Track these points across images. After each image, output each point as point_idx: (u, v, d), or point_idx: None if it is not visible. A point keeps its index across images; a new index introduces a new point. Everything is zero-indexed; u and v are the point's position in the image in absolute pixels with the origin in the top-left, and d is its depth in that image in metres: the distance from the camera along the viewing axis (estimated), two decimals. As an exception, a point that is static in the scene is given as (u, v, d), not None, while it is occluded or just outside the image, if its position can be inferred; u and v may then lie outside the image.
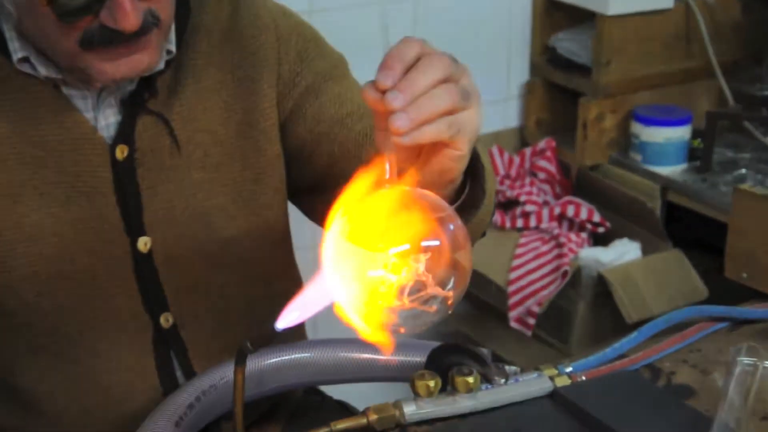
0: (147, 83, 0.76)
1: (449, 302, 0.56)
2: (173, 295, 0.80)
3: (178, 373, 0.81)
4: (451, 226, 0.54)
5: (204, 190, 0.79)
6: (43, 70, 0.72)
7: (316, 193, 0.83)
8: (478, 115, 0.58)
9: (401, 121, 0.55)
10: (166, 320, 0.80)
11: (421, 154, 0.61)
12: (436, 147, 0.59)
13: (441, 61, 0.56)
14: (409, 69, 0.56)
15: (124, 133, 0.76)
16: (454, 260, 0.54)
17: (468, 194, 0.68)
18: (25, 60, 0.72)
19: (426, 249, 0.53)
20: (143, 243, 0.77)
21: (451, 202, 0.66)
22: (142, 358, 0.80)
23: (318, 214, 0.82)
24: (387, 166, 0.57)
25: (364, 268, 0.54)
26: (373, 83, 0.56)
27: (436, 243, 0.54)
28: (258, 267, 0.84)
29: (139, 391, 0.80)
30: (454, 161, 0.60)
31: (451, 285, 0.55)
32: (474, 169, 0.67)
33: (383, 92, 0.55)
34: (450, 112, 0.57)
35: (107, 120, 0.76)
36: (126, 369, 0.80)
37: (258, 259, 0.83)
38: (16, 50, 0.72)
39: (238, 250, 0.81)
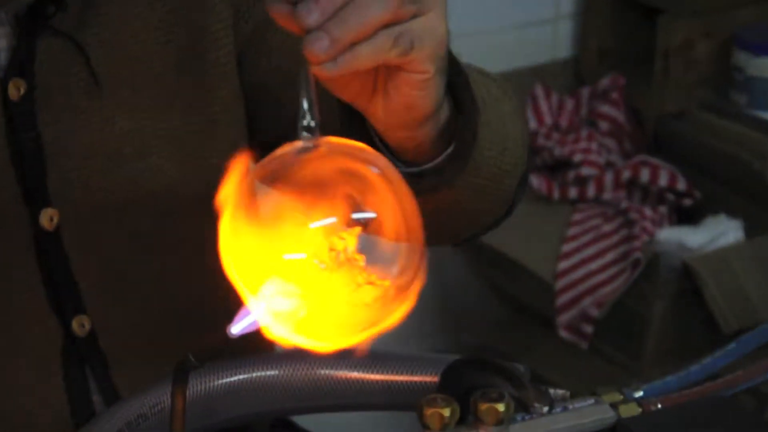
0: None
1: (395, 291, 0.55)
2: (91, 292, 0.80)
3: (96, 398, 0.82)
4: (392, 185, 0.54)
5: (133, 145, 0.79)
6: None
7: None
8: (440, 19, 0.57)
9: (319, 43, 0.54)
10: (80, 325, 0.80)
11: (375, 86, 0.61)
12: (391, 73, 0.59)
13: None
14: None
15: (21, 62, 0.76)
16: (397, 232, 0.54)
17: (456, 140, 0.67)
18: None
19: (357, 223, 0.54)
20: (48, 217, 0.78)
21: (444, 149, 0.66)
22: (47, 377, 0.80)
23: None
24: (305, 115, 0.55)
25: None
26: None
27: (371, 215, 0.54)
28: (209, 251, 0.84)
29: (41, 422, 0.81)
30: (419, 89, 0.59)
31: (397, 267, 0.55)
32: (460, 98, 0.66)
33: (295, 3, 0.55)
34: (394, 20, 0.56)
35: None
36: (24, 392, 0.80)
37: (209, 238, 0.84)
38: None
39: (180, 227, 0.82)
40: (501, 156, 0.73)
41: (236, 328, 0.58)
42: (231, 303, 0.57)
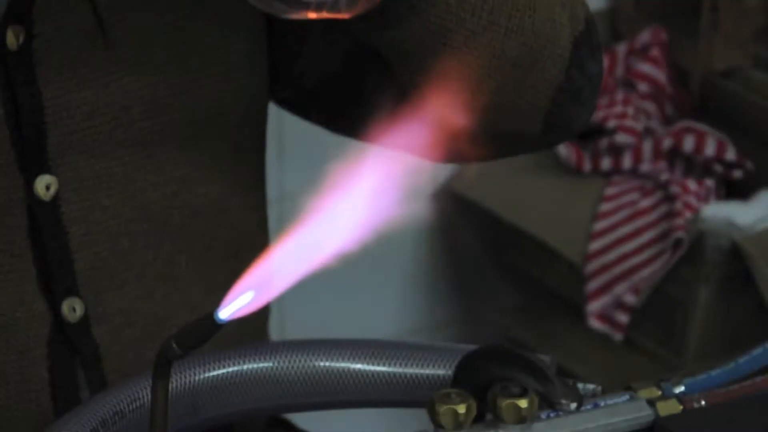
0: None
1: None
2: (88, 272, 0.81)
3: (84, 394, 0.82)
4: None
5: (142, 103, 0.80)
6: None
7: (342, 95, 0.86)
8: None
9: None
10: (71, 310, 0.81)
11: None
12: None
13: None
14: None
15: (19, 7, 0.76)
16: None
17: None
18: None
19: None
20: (44, 185, 0.78)
21: None
22: (28, 368, 0.81)
23: (353, 124, 0.85)
24: None
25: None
26: None
27: None
28: (224, 227, 0.85)
29: (19, 418, 0.81)
30: None
31: None
32: None
33: None
34: None
35: None
36: (2, 383, 0.81)
37: (224, 214, 0.85)
38: None
39: (194, 197, 0.83)
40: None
41: (224, 313, 0.59)
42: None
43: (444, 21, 0.72)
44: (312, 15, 0.64)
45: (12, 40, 0.76)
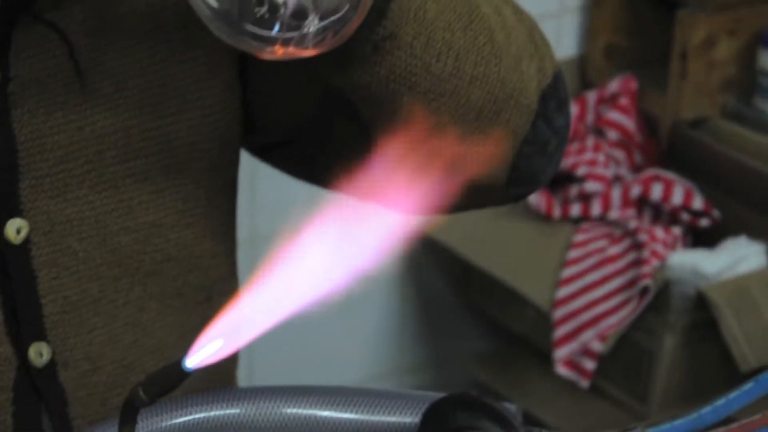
0: None
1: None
2: (56, 316, 0.80)
3: None
4: None
5: (116, 147, 0.80)
6: None
7: (311, 142, 0.86)
8: None
9: None
10: (38, 354, 0.80)
11: None
12: None
13: None
14: None
15: None
16: None
17: None
18: None
19: None
20: (14, 228, 0.78)
21: None
22: None
23: (321, 173, 0.85)
24: None
25: None
26: None
27: None
28: (195, 272, 0.85)
29: None
30: None
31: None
32: None
33: None
34: None
35: None
36: None
37: (195, 258, 0.85)
38: None
39: (166, 242, 0.83)
40: (467, 24, 0.74)
41: (191, 361, 0.59)
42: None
43: (409, 64, 0.73)
44: (279, 50, 0.64)
45: None
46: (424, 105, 0.73)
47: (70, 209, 0.80)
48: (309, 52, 0.66)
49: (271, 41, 0.65)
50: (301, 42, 0.64)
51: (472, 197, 0.81)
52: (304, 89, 0.84)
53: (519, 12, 0.81)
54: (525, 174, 0.81)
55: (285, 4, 0.64)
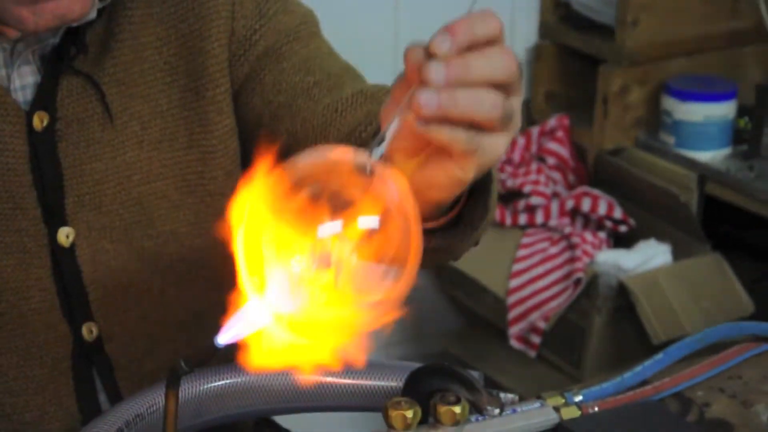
0: (74, 36, 0.75)
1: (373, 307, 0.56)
2: (99, 301, 0.80)
3: (102, 397, 0.82)
4: (399, 212, 0.54)
5: (140, 172, 0.79)
6: None
7: None
8: (506, 145, 0.56)
9: (429, 102, 0.52)
10: (89, 331, 0.80)
11: (419, 153, 0.59)
12: (440, 155, 0.57)
13: (508, 60, 0.54)
14: (471, 48, 0.53)
15: (44, 97, 0.76)
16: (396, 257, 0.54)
17: (466, 210, 0.66)
18: None
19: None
20: (64, 235, 0.78)
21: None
22: (58, 377, 0.80)
23: None
24: (380, 143, 0.55)
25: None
26: (422, 46, 0.53)
27: (374, 224, 0.53)
28: (205, 269, 0.84)
29: (51, 418, 0.80)
30: (450, 180, 0.58)
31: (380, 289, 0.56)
32: (482, 186, 0.65)
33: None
34: (480, 125, 0.54)
35: (23, 80, 0.76)
36: (36, 391, 0.80)
37: (206, 259, 0.84)
38: None
39: (181, 247, 0.82)
40: (492, 214, 0.72)
41: (222, 339, 0.58)
42: (222, 317, 0.57)
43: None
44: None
45: (38, 123, 0.76)
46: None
47: (104, 219, 0.79)
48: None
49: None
50: None
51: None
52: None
53: None
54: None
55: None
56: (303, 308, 0.55)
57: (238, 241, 0.55)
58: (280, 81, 0.81)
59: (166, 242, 0.81)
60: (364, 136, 0.74)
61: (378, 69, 0.91)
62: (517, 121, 0.56)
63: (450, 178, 0.57)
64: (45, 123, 0.76)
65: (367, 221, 0.53)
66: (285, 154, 0.82)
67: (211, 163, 0.82)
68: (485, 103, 0.53)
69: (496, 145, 0.56)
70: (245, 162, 0.85)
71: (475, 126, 0.54)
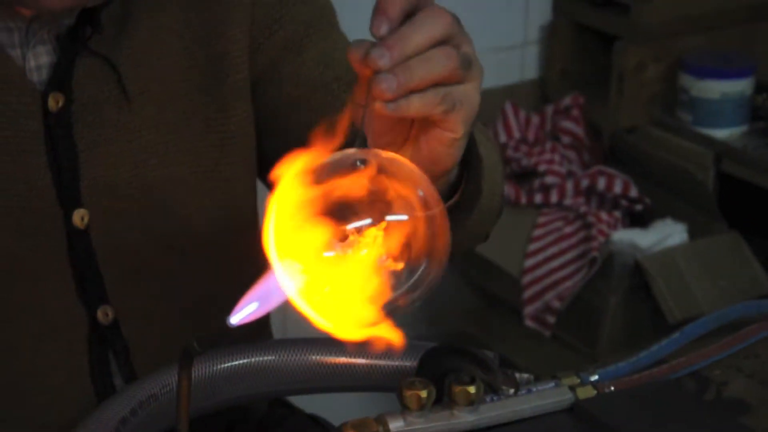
0: (90, 17, 0.75)
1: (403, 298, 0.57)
2: (115, 284, 0.80)
3: (117, 380, 0.82)
4: (423, 204, 0.55)
5: (156, 156, 0.79)
6: None
7: None
8: (477, 91, 0.59)
9: (387, 83, 0.55)
10: (104, 314, 0.80)
11: (408, 137, 0.62)
12: (425, 128, 0.60)
13: (442, 18, 0.57)
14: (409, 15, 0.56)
15: (60, 78, 0.75)
16: (430, 244, 0.56)
17: (461, 193, 0.69)
18: None
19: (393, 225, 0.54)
20: (79, 217, 0.78)
21: (445, 200, 0.65)
22: (74, 358, 0.80)
23: None
24: (360, 139, 0.57)
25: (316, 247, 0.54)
26: (361, 42, 0.56)
27: (403, 217, 0.55)
28: (220, 252, 0.84)
29: (68, 398, 0.80)
30: (446, 146, 0.60)
31: (420, 273, 0.57)
32: (468, 161, 0.67)
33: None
34: (445, 81, 0.57)
35: (38, 60, 0.75)
36: (53, 372, 0.80)
37: (220, 243, 0.84)
38: None
39: (196, 230, 0.82)
40: (491, 200, 0.73)
41: (235, 319, 0.58)
42: (235, 299, 0.57)
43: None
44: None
45: (53, 104, 0.76)
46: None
47: (119, 202, 0.79)
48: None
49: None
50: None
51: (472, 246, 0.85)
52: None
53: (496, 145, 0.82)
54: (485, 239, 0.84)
55: None
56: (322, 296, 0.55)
57: (269, 222, 0.55)
58: (299, 73, 0.81)
59: (181, 227, 0.81)
60: None
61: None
62: (478, 65, 0.59)
63: (444, 144, 0.60)
64: (60, 104, 0.76)
65: (397, 216, 0.55)
66: (301, 147, 0.83)
67: (228, 148, 0.82)
68: (438, 59, 0.56)
69: (468, 94, 0.58)
70: (258, 154, 0.85)
71: (441, 84, 0.57)
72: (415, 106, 0.56)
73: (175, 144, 0.80)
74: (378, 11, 0.56)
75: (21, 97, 0.75)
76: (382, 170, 0.55)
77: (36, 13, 0.73)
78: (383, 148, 0.59)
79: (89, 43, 0.76)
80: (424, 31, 0.56)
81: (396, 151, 0.61)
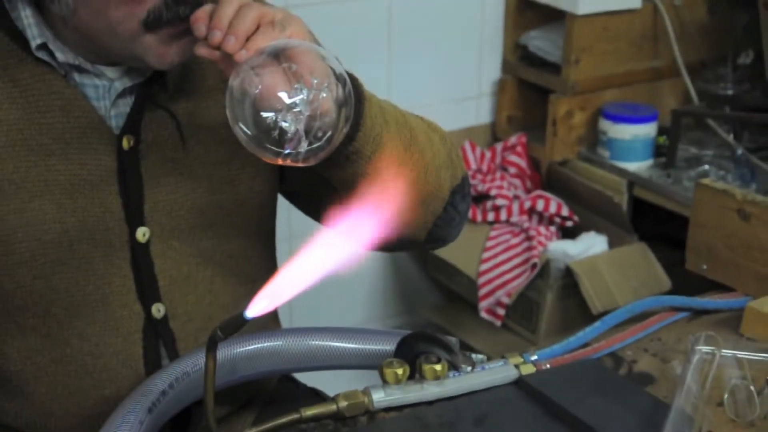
0: (158, 77, 0.76)
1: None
2: (166, 287, 0.80)
3: (165, 363, 0.81)
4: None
5: (203, 186, 0.79)
6: (60, 56, 0.73)
7: (308, 197, 0.85)
8: (302, 25, 0.67)
9: (230, 42, 0.64)
10: (157, 311, 0.80)
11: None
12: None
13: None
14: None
15: (132, 123, 0.76)
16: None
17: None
18: (42, 47, 0.73)
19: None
20: (142, 233, 0.78)
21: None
22: (130, 345, 0.80)
23: (318, 215, 0.84)
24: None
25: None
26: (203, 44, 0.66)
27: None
28: (246, 264, 0.85)
29: (122, 377, 0.80)
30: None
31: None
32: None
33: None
34: (266, 21, 0.65)
35: (117, 110, 0.76)
36: (112, 354, 0.80)
37: (247, 257, 0.84)
38: (35, 36, 0.72)
39: (228, 247, 0.82)
40: (408, 146, 0.73)
41: (250, 312, 0.58)
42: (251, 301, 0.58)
43: (368, 168, 0.72)
44: (285, 161, 0.66)
45: (126, 143, 0.76)
46: (378, 193, 0.72)
47: (173, 222, 0.79)
48: (302, 164, 0.66)
49: (280, 155, 0.66)
50: (296, 157, 0.66)
51: (401, 245, 0.81)
52: (307, 172, 0.83)
53: (443, 138, 0.81)
54: (436, 237, 0.81)
55: (289, 132, 0.65)
56: None
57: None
58: None
59: (219, 243, 0.81)
60: None
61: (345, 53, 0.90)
62: (291, 17, 0.68)
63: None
64: (131, 144, 0.76)
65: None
66: (318, 179, 0.82)
67: (258, 182, 0.82)
68: (248, 11, 0.67)
69: (291, 19, 0.68)
70: (285, 184, 0.86)
71: (262, 23, 0.67)
72: (259, 40, 0.66)
73: (218, 177, 0.80)
74: (210, 26, 0.67)
75: (101, 139, 0.75)
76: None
77: (124, 73, 0.75)
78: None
79: (156, 98, 0.77)
80: (227, 5, 0.67)
81: None
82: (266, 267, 0.87)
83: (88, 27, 0.71)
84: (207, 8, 0.68)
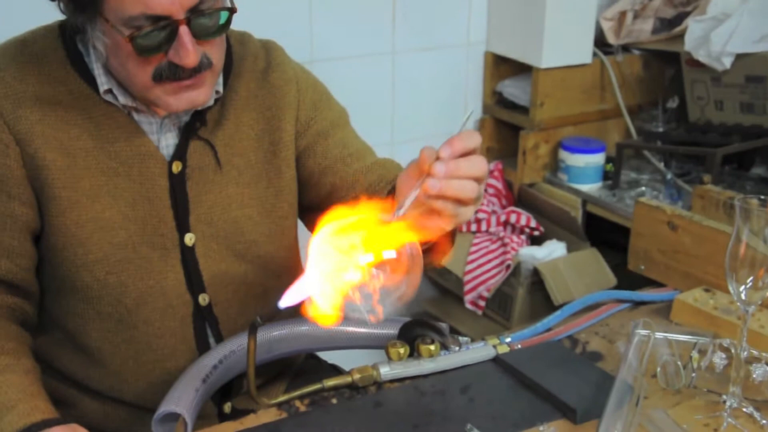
0: (199, 115, 0.78)
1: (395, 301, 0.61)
2: (209, 281, 0.80)
3: (211, 340, 0.82)
4: (409, 251, 0.59)
5: (237, 202, 0.80)
6: (122, 99, 0.75)
7: (317, 212, 0.85)
8: (472, 213, 0.63)
9: (435, 186, 0.59)
10: (203, 300, 0.80)
11: (421, 214, 0.63)
12: (432, 215, 0.62)
13: (482, 164, 0.60)
14: (462, 155, 0.59)
15: (180, 152, 0.77)
16: (405, 277, 0.59)
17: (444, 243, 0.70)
18: (108, 91, 0.74)
19: (384, 263, 0.58)
20: (189, 238, 0.78)
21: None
22: (184, 327, 0.80)
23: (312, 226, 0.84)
24: (401, 207, 0.60)
25: (337, 266, 0.55)
26: (432, 149, 0.59)
27: (393, 255, 0.58)
28: (272, 263, 0.85)
29: (179, 352, 0.80)
30: (437, 230, 0.62)
31: (397, 294, 0.61)
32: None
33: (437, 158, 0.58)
34: (462, 202, 0.60)
35: (167, 142, 0.77)
36: (171, 335, 0.80)
37: (273, 257, 0.84)
38: (103, 83, 0.75)
39: (259, 249, 0.82)
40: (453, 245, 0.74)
41: (283, 303, 0.58)
42: (283, 292, 0.57)
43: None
44: (372, 319, 0.61)
45: (175, 168, 0.77)
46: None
47: (213, 230, 0.80)
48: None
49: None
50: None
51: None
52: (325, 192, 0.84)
53: None
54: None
55: (366, 302, 0.61)
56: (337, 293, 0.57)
57: (319, 239, 0.56)
58: (326, 151, 0.83)
59: (250, 246, 0.81)
60: (378, 189, 0.78)
61: (354, 110, 0.89)
62: (480, 200, 0.62)
63: (438, 228, 0.62)
64: (179, 169, 0.77)
65: (389, 253, 0.58)
66: (326, 198, 0.84)
67: (281, 198, 0.82)
68: (467, 190, 0.59)
69: (468, 213, 0.62)
70: (299, 203, 0.85)
71: (458, 202, 0.60)
72: (439, 206, 0.59)
73: (248, 194, 0.80)
74: (448, 142, 0.59)
75: (156, 164, 0.76)
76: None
77: (166, 113, 0.75)
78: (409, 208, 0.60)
79: (198, 132, 0.77)
80: (471, 167, 0.59)
81: (410, 213, 0.61)
82: (290, 266, 0.88)
83: (117, 74, 0.73)
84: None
